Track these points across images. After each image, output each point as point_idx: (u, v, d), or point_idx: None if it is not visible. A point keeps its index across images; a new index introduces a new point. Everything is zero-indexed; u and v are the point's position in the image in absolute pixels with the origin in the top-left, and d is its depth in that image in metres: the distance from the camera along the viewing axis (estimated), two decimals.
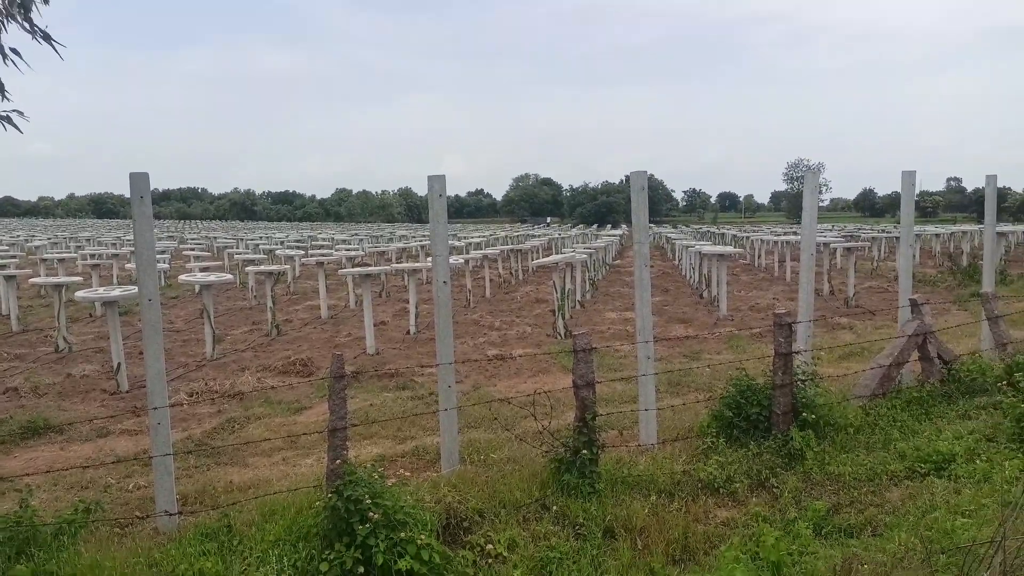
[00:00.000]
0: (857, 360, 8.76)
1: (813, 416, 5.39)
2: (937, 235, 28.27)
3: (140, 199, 4.20)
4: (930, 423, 5.65)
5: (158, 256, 19.79)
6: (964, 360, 6.64)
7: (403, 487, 3.96)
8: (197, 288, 12.99)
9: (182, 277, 12.69)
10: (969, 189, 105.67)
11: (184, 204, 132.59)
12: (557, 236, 32.47)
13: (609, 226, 62.07)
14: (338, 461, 3.87)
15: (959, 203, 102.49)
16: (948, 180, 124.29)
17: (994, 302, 7.44)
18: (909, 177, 7.22)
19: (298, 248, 24.31)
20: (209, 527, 3.89)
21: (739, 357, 8.66)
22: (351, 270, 12.33)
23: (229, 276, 12.61)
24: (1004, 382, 5.99)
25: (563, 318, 11.74)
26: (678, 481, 4.89)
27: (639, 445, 5.73)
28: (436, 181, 5.08)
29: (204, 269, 15.53)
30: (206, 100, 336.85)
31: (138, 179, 4.19)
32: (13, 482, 5.30)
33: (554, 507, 4.36)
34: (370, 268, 12.53)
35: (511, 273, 20.99)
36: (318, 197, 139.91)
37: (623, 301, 15.77)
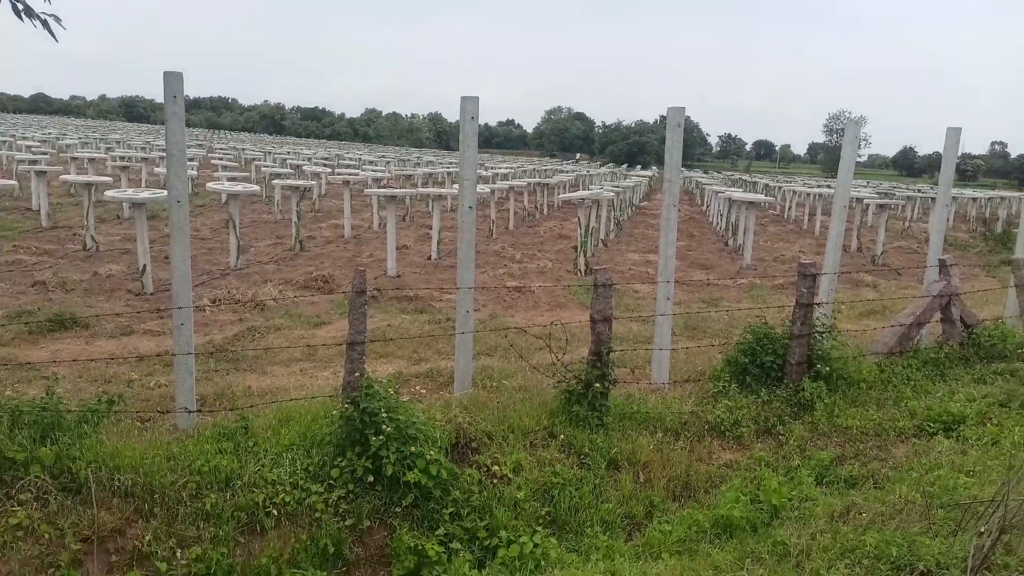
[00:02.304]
0: (877, 318, 8.69)
1: (827, 368, 5.38)
2: (974, 199, 27.60)
3: (173, 99, 4.18)
4: (944, 384, 5.63)
5: (187, 163, 19.85)
6: (986, 326, 6.56)
7: (416, 404, 4.04)
8: (224, 197, 13.07)
9: (210, 185, 12.76)
10: (1013, 155, 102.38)
11: (214, 113, 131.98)
12: (586, 173, 32.09)
13: (639, 167, 61.08)
14: (356, 374, 3.95)
15: (1001, 168, 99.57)
16: (992, 144, 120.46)
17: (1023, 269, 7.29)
18: (954, 134, 7.00)
19: (325, 166, 24.25)
20: (226, 427, 4.01)
21: (758, 306, 8.63)
22: (376, 191, 12.33)
23: (256, 187, 12.65)
24: None
25: (585, 255, 11.71)
26: (685, 421, 4.94)
27: (650, 384, 5.78)
28: (469, 103, 5.00)
29: (232, 179, 15.58)
30: (242, 7, 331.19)
31: (172, 78, 4.16)
32: (40, 370, 5.48)
33: (561, 436, 4.44)
34: (395, 190, 12.50)
35: (536, 207, 20.86)
36: (347, 116, 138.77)
37: (647, 243, 15.66)
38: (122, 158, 19.39)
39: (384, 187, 16.99)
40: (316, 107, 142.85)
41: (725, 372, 5.64)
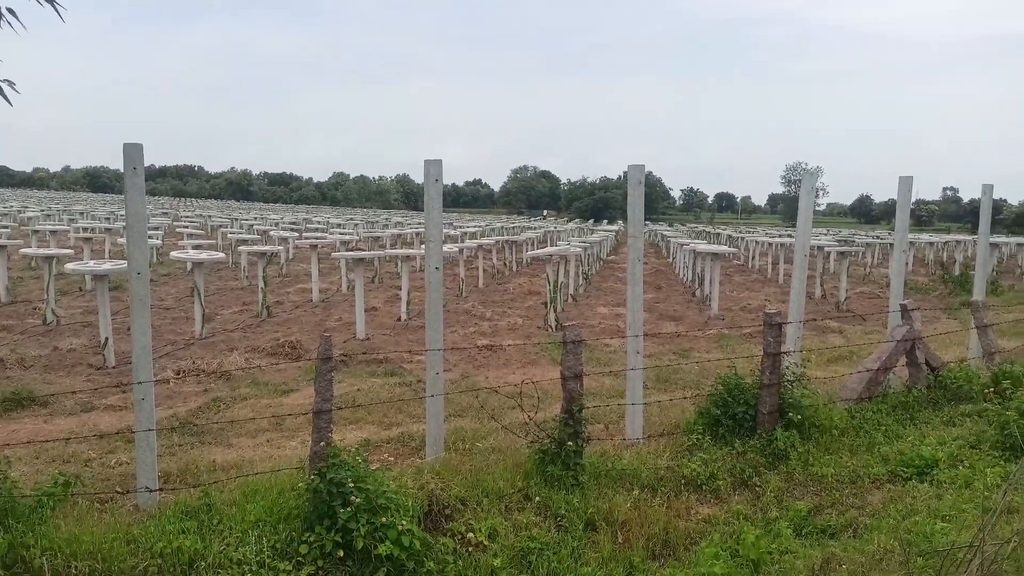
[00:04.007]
0: (845, 364, 8.78)
1: (799, 417, 5.40)
2: (931, 243, 28.38)
3: (133, 170, 4.16)
4: (915, 428, 5.67)
5: (151, 232, 19.66)
6: (951, 367, 6.67)
7: (386, 472, 3.95)
8: (189, 266, 12.94)
9: (174, 254, 12.63)
10: (965, 199, 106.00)
11: (180, 182, 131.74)
12: (553, 229, 32.44)
13: (605, 221, 61.98)
14: (322, 443, 3.85)
15: (954, 213, 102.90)
16: (944, 190, 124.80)
17: (984, 311, 7.47)
18: (906, 182, 7.23)
19: (292, 230, 24.20)
20: (189, 505, 3.87)
21: (728, 356, 8.67)
22: (344, 254, 12.30)
23: (221, 255, 12.55)
24: (990, 390, 6.01)
25: (555, 311, 11.74)
26: (661, 476, 4.89)
27: (625, 439, 5.73)
28: (432, 165, 5.05)
29: (197, 247, 15.45)
30: (207, 77, 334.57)
31: (132, 149, 4.15)
32: None
33: (537, 498, 4.35)
34: (363, 252, 12.49)
35: (505, 264, 20.96)
36: (315, 180, 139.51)
37: (615, 296, 15.77)
38: (85, 229, 19.17)
39: (352, 249, 16.98)
40: (283, 172, 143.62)
41: (698, 424, 5.62)
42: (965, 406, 6.09)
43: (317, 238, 16.93)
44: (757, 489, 4.84)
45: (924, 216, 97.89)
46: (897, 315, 6.82)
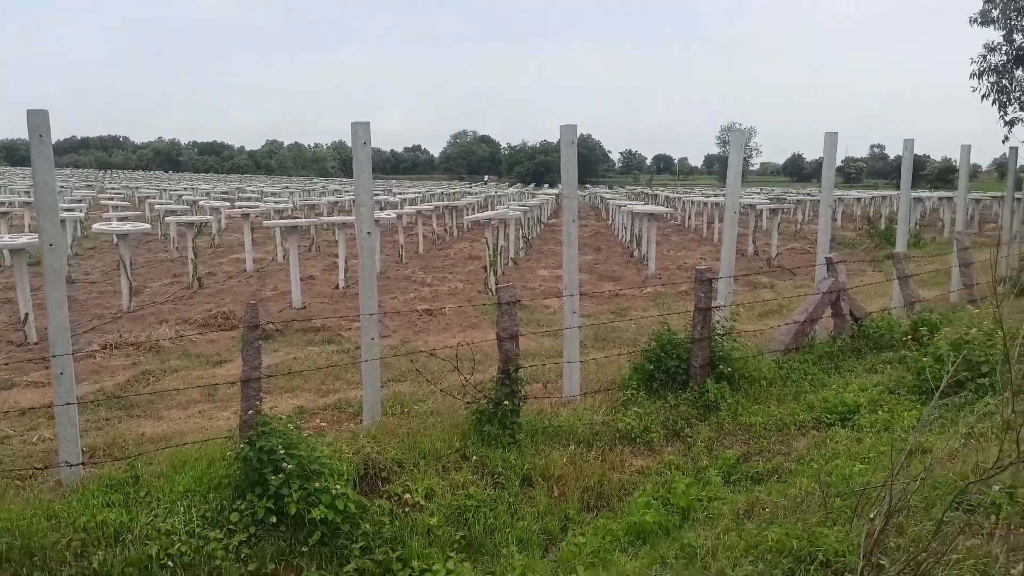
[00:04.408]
0: (775, 317, 9.04)
1: (729, 369, 5.55)
2: (859, 199, 29.29)
3: (39, 138, 3.94)
4: (839, 376, 5.89)
5: (75, 205, 18.82)
6: (874, 317, 6.93)
7: (320, 438, 3.90)
8: (115, 238, 12.46)
9: (96, 226, 12.11)
10: (892, 156, 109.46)
11: (105, 153, 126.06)
12: (494, 194, 32.30)
13: (547, 185, 62.03)
14: (251, 412, 3.79)
15: (882, 170, 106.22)
16: (872, 147, 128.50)
17: (905, 263, 7.76)
18: (831, 139, 7.40)
19: (224, 200, 23.49)
20: (115, 478, 3.76)
21: (664, 313, 8.84)
22: (277, 222, 12.00)
23: (147, 225, 12.09)
24: (909, 338, 6.27)
25: (495, 274, 11.73)
26: (597, 432, 4.98)
27: (562, 397, 5.80)
28: (360, 128, 4.93)
29: (122, 219, 14.85)
30: (132, 45, 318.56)
31: (37, 116, 3.92)
32: None
33: (474, 457, 4.38)
34: (296, 220, 12.20)
35: (446, 230, 20.81)
36: (248, 149, 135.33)
37: (556, 259, 15.83)
38: (2, 203, 18.19)
39: (287, 218, 16.60)
40: (214, 141, 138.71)
41: (633, 380, 5.73)
42: (886, 354, 6.35)
43: (250, 207, 16.47)
44: (689, 440, 4.98)
45: (853, 173, 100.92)
46: (823, 269, 7.04)
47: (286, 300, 10.31)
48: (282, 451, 3.58)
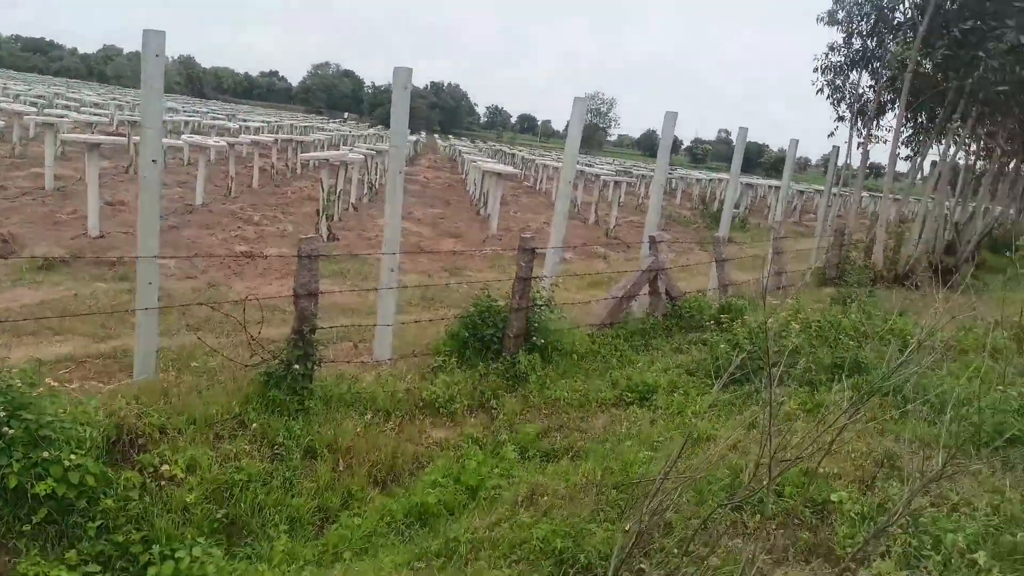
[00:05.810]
0: (603, 289, 9.14)
1: (542, 341, 5.47)
2: (698, 180, 30.76)
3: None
4: (647, 354, 5.98)
5: None
6: (688, 297, 7.12)
7: (55, 399, 3.37)
8: None
9: None
10: (735, 142, 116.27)
11: None
12: (349, 132, 30.91)
13: (409, 132, 60.43)
14: None
15: (726, 153, 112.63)
16: (719, 131, 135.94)
17: (723, 246, 8.06)
18: (671, 118, 7.47)
19: (37, 105, 20.81)
20: None
21: (499, 277, 8.71)
22: (76, 136, 10.66)
23: None
24: (715, 320, 6.49)
25: (328, 219, 11.12)
26: (400, 400, 4.74)
27: (372, 360, 5.50)
28: (153, 37, 4.27)
29: None
30: None
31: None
32: None
33: (254, 424, 4.00)
34: (102, 137, 10.87)
35: (287, 166, 19.62)
36: (81, 51, 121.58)
37: (403, 208, 15.34)
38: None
39: (107, 134, 14.90)
40: (42, 38, 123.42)
41: (447, 345, 5.53)
42: (695, 335, 6.53)
43: (57, 116, 14.60)
44: (493, 412, 4.86)
45: (700, 154, 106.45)
46: (647, 246, 7.13)
47: (84, 226, 9.20)
48: (3, 413, 3.03)
